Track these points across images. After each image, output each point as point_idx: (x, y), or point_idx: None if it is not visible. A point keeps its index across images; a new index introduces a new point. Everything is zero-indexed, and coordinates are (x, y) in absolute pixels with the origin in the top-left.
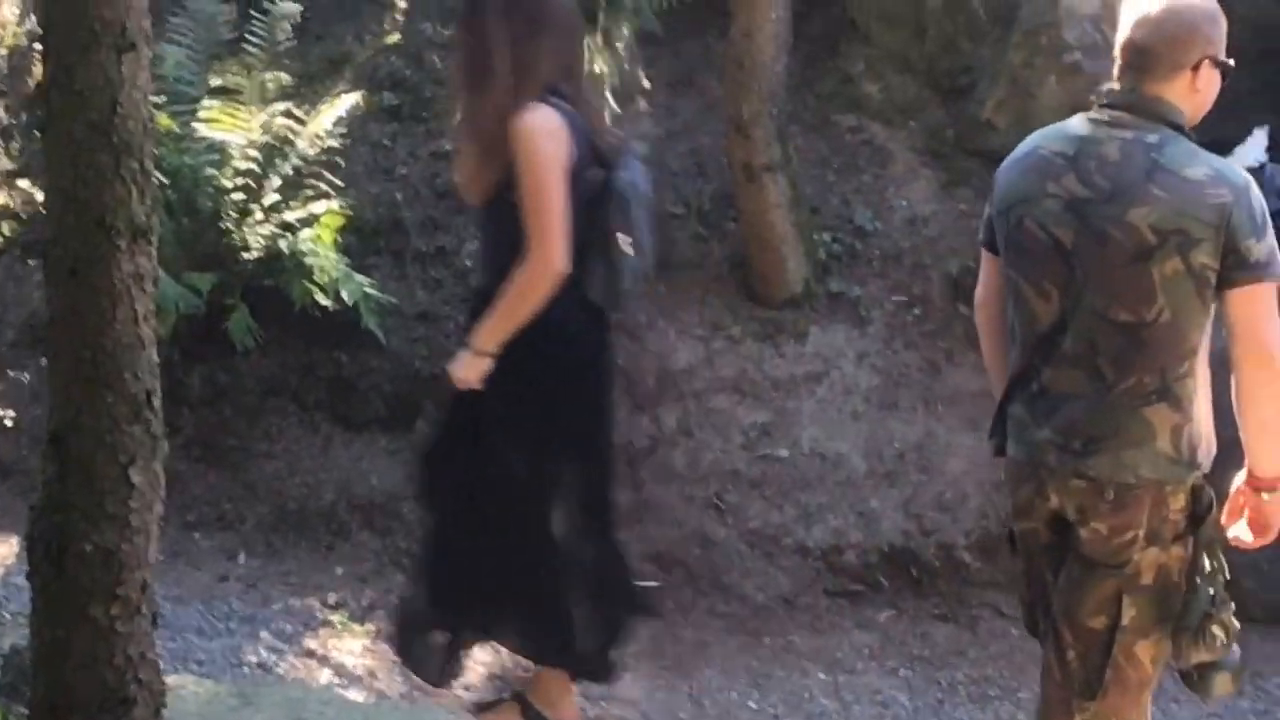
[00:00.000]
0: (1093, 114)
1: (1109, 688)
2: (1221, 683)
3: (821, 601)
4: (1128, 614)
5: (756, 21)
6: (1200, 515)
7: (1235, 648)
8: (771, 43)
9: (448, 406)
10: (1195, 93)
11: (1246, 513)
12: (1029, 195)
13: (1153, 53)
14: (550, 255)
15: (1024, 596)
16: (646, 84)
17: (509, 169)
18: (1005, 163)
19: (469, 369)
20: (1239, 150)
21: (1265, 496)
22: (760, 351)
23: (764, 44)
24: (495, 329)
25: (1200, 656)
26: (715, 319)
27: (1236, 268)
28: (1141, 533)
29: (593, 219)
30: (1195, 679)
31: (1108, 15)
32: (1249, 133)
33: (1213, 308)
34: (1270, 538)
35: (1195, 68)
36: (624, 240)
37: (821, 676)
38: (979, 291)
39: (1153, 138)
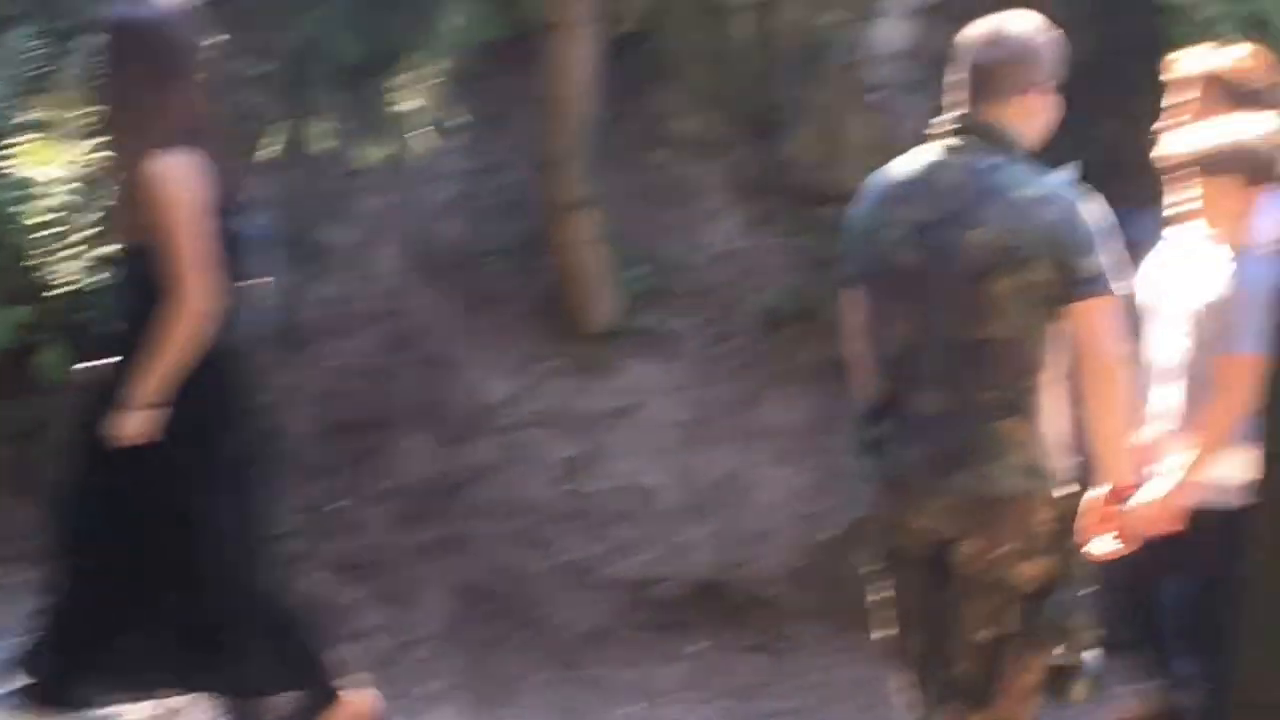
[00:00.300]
0: (935, 141)
1: (999, 697)
2: (1080, 689)
3: (634, 634)
4: (1013, 624)
5: (567, 59)
6: (1068, 524)
7: (1095, 656)
8: (582, 80)
9: (97, 463)
10: (1034, 116)
11: (1109, 523)
12: (878, 225)
13: (994, 76)
14: (194, 299)
15: (892, 622)
16: (459, 120)
17: (148, 214)
18: (859, 196)
19: (131, 425)
20: None
21: (1122, 506)
22: (573, 386)
23: (575, 81)
24: (151, 379)
25: (1069, 659)
26: (528, 353)
27: (1072, 284)
28: (1014, 546)
29: (224, 264)
30: (1056, 683)
31: (914, 53)
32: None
33: (1057, 324)
34: (1133, 546)
35: (1034, 91)
36: (254, 284)
37: (634, 709)
38: (845, 326)
39: (990, 161)
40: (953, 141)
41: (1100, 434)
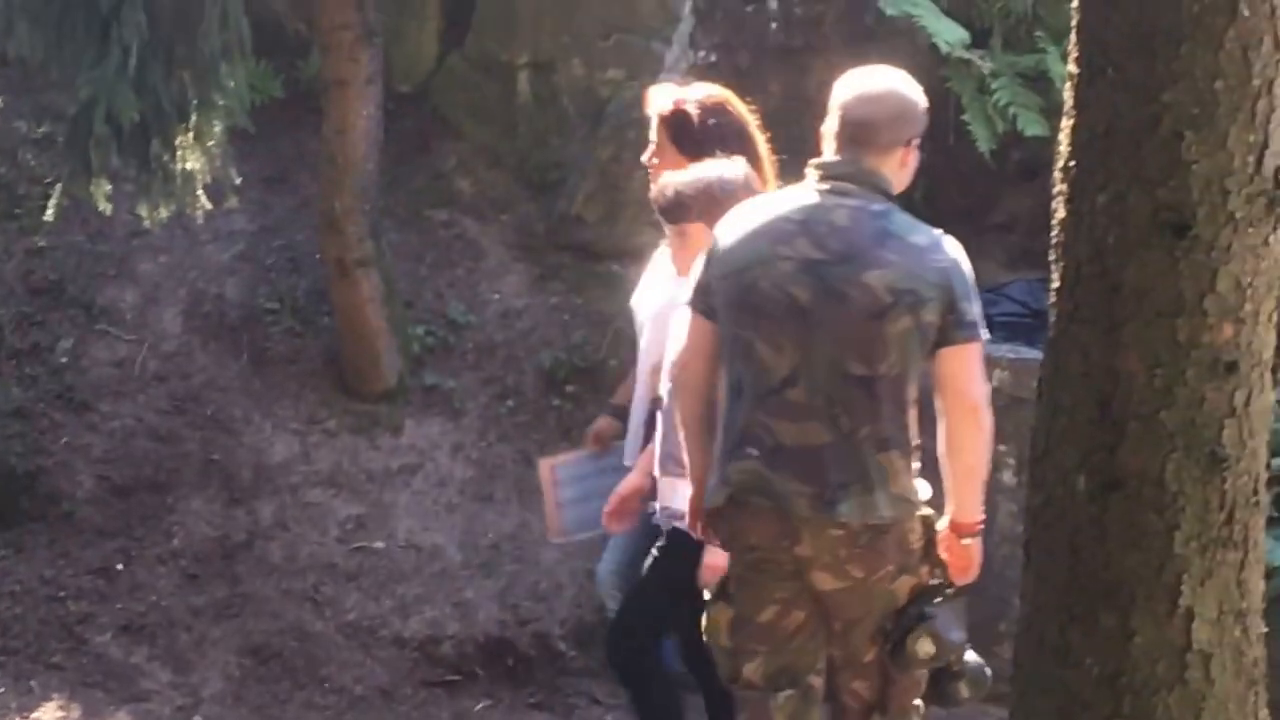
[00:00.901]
0: (813, 184)
1: (891, 701)
2: (963, 688)
3: (419, 693)
4: (893, 634)
5: (348, 119)
6: (932, 538)
7: (970, 657)
8: (364, 139)
9: None
10: (903, 168)
11: (948, 557)
12: (762, 258)
13: (875, 128)
14: None
15: (726, 645)
16: (239, 180)
17: None
18: (724, 231)
19: None
20: None
21: (965, 541)
22: (356, 445)
23: (356, 141)
24: None
25: (947, 662)
26: (311, 413)
27: (955, 327)
28: (892, 567)
29: None
30: (939, 687)
31: None
32: None
33: (926, 363)
34: (969, 579)
35: (908, 144)
36: None
37: None
38: (683, 352)
39: (877, 206)
40: (836, 185)
41: (958, 471)
